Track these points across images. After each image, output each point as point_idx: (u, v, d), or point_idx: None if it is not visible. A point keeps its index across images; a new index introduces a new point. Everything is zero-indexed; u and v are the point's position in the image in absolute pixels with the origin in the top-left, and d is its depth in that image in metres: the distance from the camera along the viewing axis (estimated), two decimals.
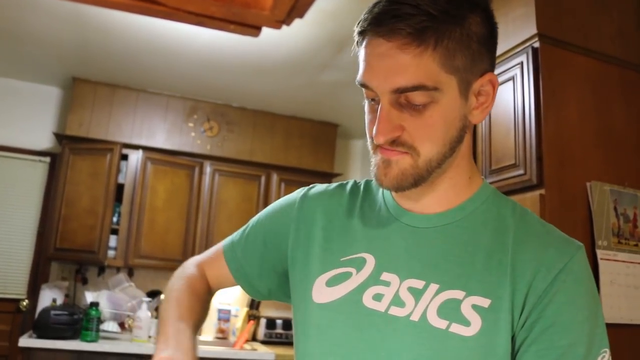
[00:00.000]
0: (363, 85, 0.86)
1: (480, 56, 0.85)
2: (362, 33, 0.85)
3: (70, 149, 4.61)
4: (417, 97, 0.81)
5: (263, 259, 1.07)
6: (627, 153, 2.43)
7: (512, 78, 2.38)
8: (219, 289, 1.16)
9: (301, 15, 0.45)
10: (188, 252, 4.78)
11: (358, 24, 0.85)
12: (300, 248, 1.00)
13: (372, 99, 0.87)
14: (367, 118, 0.88)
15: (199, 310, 1.04)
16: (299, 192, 1.09)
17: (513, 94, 2.37)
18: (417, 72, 0.80)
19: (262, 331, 4.98)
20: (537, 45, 2.31)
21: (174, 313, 0.98)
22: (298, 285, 0.99)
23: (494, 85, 0.88)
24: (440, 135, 0.84)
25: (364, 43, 0.85)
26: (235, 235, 1.14)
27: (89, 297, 4.20)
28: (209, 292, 1.12)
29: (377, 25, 0.81)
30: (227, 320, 4.87)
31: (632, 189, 2.37)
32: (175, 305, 1.01)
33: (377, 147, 0.87)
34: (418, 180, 0.86)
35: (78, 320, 3.87)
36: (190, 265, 1.13)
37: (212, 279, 1.13)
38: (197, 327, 1.00)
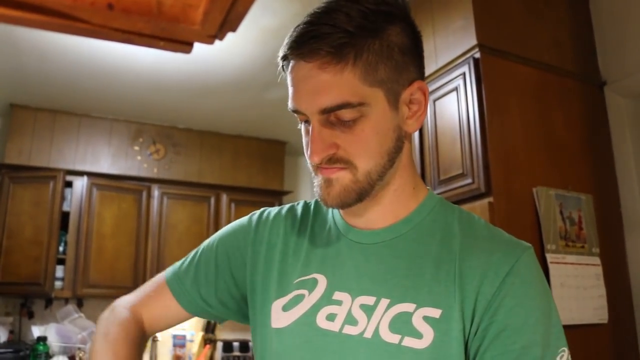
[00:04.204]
0: (294, 110, 0.86)
1: (405, 65, 0.85)
2: (284, 58, 0.85)
3: (10, 178, 4.45)
4: (346, 114, 0.81)
5: (217, 286, 1.03)
6: (569, 157, 2.49)
7: (456, 89, 2.42)
8: (157, 331, 1.08)
9: (234, 29, 0.43)
10: (139, 278, 4.67)
11: (281, 49, 0.85)
12: (259, 273, 0.98)
13: (306, 121, 0.87)
14: (304, 141, 0.88)
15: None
16: (251, 217, 1.06)
17: (457, 104, 2.40)
18: (340, 90, 0.80)
19: (219, 355, 4.89)
20: (478, 55, 2.36)
21: None
22: (258, 310, 0.97)
23: (425, 93, 0.88)
24: (374, 147, 0.84)
25: (289, 68, 0.85)
26: (179, 266, 1.08)
27: (36, 331, 4.03)
28: (143, 338, 1.03)
29: (297, 48, 0.81)
30: (183, 346, 4.76)
31: (576, 192, 2.43)
32: (112, 357, 0.93)
33: (317, 168, 0.86)
34: (361, 194, 0.85)
35: (24, 358, 3.72)
36: (121, 309, 1.03)
37: (152, 321, 1.05)
38: None
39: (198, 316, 1.08)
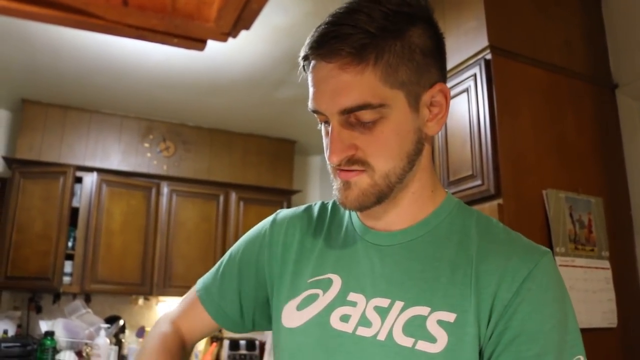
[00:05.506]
0: (314, 111, 0.85)
1: (426, 67, 0.84)
2: (305, 58, 0.85)
3: (20, 173, 4.47)
4: (365, 115, 0.81)
5: (242, 295, 1.04)
6: (579, 159, 2.48)
7: (466, 90, 2.41)
8: (198, 340, 1.11)
9: (247, 27, 0.43)
10: (147, 275, 4.68)
11: (302, 49, 0.85)
12: (276, 273, 0.99)
13: (326, 122, 0.86)
14: (324, 142, 0.88)
15: None
16: (267, 219, 1.07)
17: (468, 105, 2.39)
18: (360, 91, 0.79)
19: (225, 353, 4.89)
20: (489, 57, 2.35)
21: None
22: (274, 310, 0.98)
23: (446, 95, 0.87)
24: (394, 149, 0.83)
25: (310, 68, 0.85)
26: (208, 277, 1.10)
27: (44, 326, 4.05)
28: (183, 349, 1.07)
29: (317, 48, 0.81)
30: None
31: (586, 195, 2.41)
32: None
33: (335, 171, 0.86)
34: (380, 197, 0.85)
35: (32, 352, 3.73)
36: (163, 323, 1.08)
37: (190, 332, 1.08)
38: None
39: (227, 328, 1.08)
